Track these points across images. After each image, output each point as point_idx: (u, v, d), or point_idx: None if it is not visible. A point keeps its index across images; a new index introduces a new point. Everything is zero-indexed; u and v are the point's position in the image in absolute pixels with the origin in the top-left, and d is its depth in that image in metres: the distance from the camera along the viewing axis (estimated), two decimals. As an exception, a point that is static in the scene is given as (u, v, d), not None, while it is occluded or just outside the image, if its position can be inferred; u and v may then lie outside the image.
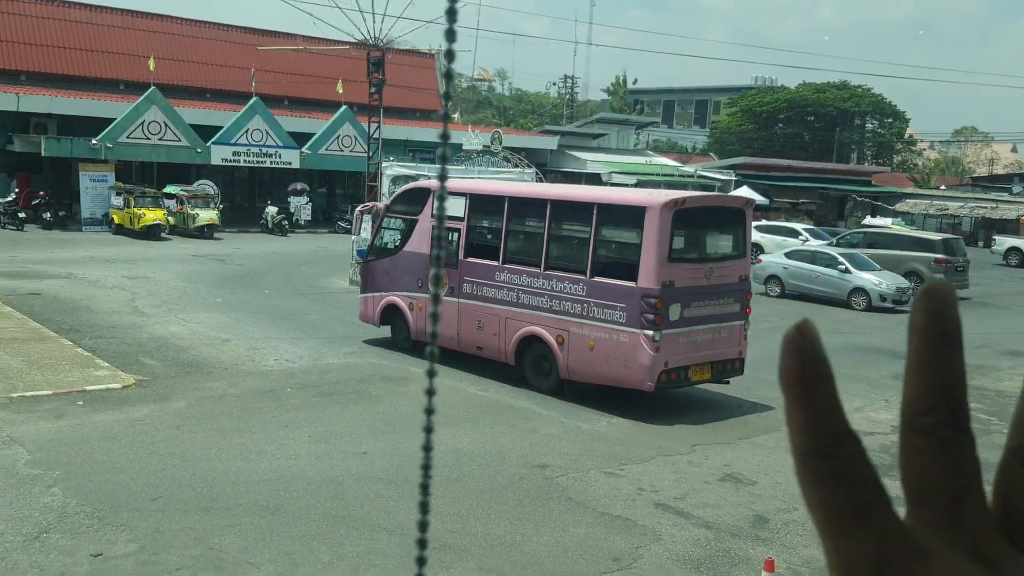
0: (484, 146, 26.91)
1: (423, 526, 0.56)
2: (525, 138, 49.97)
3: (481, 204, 14.07)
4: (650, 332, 11.68)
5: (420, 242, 14.45)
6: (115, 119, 33.85)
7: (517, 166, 20.45)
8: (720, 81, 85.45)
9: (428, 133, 44.48)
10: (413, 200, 15.04)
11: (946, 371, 0.41)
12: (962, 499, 0.41)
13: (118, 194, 32.27)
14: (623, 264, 12.21)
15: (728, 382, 13.04)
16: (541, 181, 18.63)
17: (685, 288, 11.98)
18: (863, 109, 69.05)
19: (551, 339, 12.78)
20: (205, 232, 32.25)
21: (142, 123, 34.09)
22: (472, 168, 21.03)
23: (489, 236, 13.88)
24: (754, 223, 38.05)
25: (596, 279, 12.34)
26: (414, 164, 33.94)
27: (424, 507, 0.57)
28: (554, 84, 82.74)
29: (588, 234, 12.55)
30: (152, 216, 30.88)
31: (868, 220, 43.05)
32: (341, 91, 37.86)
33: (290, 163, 37.82)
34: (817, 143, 67.79)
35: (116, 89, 38.42)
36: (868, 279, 23.71)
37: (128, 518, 7.90)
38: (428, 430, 0.56)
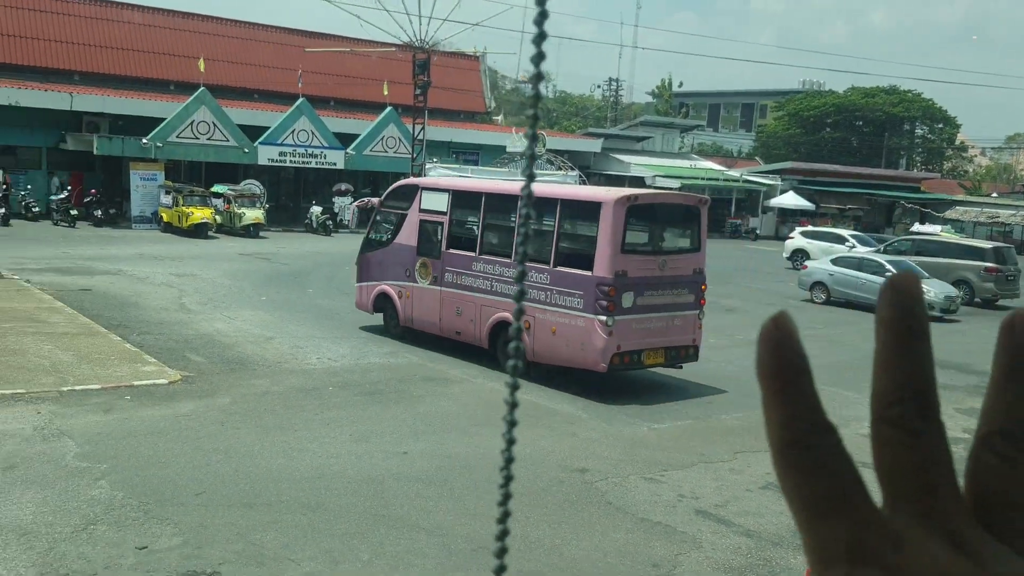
0: (528, 148, 26.98)
1: (502, 535, 0.57)
2: (569, 140, 49.93)
3: (462, 200, 15.01)
4: (603, 318, 12.60)
5: (409, 235, 15.53)
6: (165, 119, 34.45)
7: (560, 169, 20.42)
8: (767, 84, 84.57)
9: (471, 135, 44.64)
10: (403, 196, 15.96)
11: (913, 363, 0.42)
12: (935, 488, 0.41)
13: (167, 192, 32.84)
14: (582, 255, 13.04)
15: (681, 367, 13.94)
16: (584, 184, 18.62)
17: (638, 278, 12.88)
18: (913, 114, 67.91)
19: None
20: (251, 231, 32.67)
21: (191, 123, 34.65)
22: (516, 170, 21.04)
23: (467, 229, 14.80)
24: (800, 229, 37.53)
25: (558, 268, 13.20)
26: (457, 165, 34.07)
27: (503, 518, 0.57)
28: (599, 87, 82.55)
29: (553, 227, 13.39)
30: (200, 215, 31.37)
31: (917, 227, 42.32)
32: (387, 92, 38.16)
33: (335, 163, 38.17)
34: (865, 148, 66.79)
35: (166, 89, 39.10)
36: (916, 287, 23.26)
37: (173, 512, 8.02)
38: (510, 441, 0.56)
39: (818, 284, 24.85)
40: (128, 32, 39.98)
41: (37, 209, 32.96)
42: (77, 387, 11.66)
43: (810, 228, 37.63)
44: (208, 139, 35.13)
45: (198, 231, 31.23)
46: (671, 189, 46.40)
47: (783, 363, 0.41)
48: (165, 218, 32.57)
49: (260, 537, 7.66)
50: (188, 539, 7.52)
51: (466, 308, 14.56)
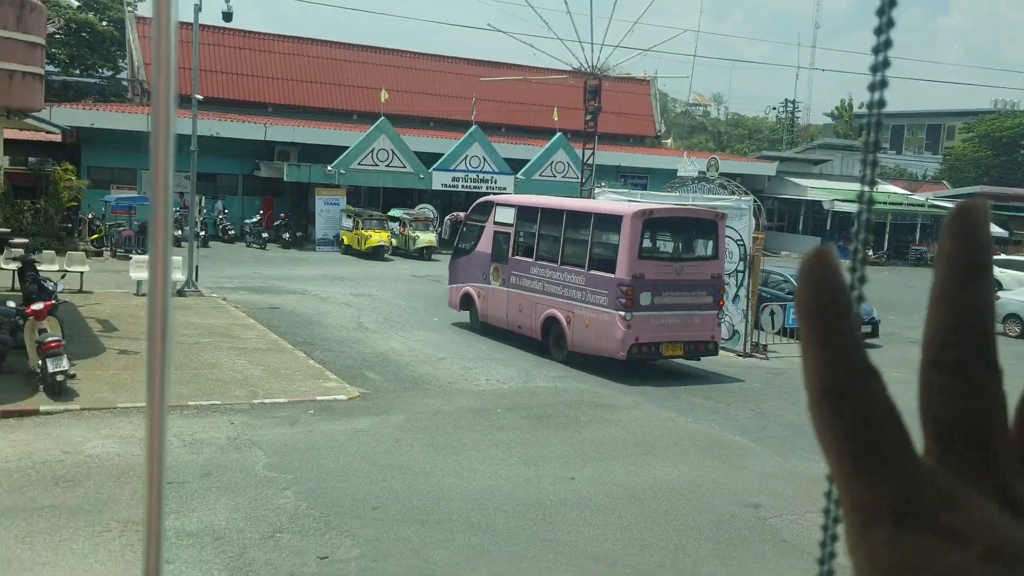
0: (700, 172, 26.55)
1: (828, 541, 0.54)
2: (741, 164, 48.84)
3: (524, 214, 17.40)
4: (623, 313, 14.75)
5: (486, 244, 18.12)
6: (348, 147, 36.28)
7: (734, 193, 19.99)
8: (955, 105, 79.88)
9: (640, 159, 44.47)
10: (482, 211, 18.61)
11: (974, 302, 0.38)
12: (989, 439, 0.37)
13: (348, 216, 34.54)
14: (608, 260, 15.21)
15: (700, 360, 16.01)
16: (760, 209, 18.25)
17: (655, 280, 14.93)
18: (1122, 133, 62.14)
19: (563, 319, 16.02)
20: (424, 253, 33.80)
21: (372, 150, 36.32)
22: (687, 195, 20.76)
23: (528, 239, 17.16)
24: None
25: (592, 272, 15.46)
26: (626, 189, 34.00)
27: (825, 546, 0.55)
28: (773, 108, 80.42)
29: (587, 236, 15.72)
30: (377, 238, 32.78)
31: None
32: (557, 118, 38.65)
33: (504, 188, 38.92)
34: (1068, 171, 61.62)
35: (350, 119, 41.19)
36: None
37: (351, 524, 8.37)
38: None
39: (1011, 316, 23.11)
40: (317, 66, 42.50)
41: (232, 232, 35.38)
42: (266, 400, 12.41)
43: (1003, 256, 35.10)
44: (387, 166, 36.69)
45: (375, 253, 32.61)
46: (850, 214, 44.51)
47: (826, 300, 0.38)
48: (346, 241, 34.22)
49: (432, 554, 7.86)
50: (365, 552, 7.83)
51: (525, 306, 17.00)
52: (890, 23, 0.45)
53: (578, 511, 9.06)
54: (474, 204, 19.38)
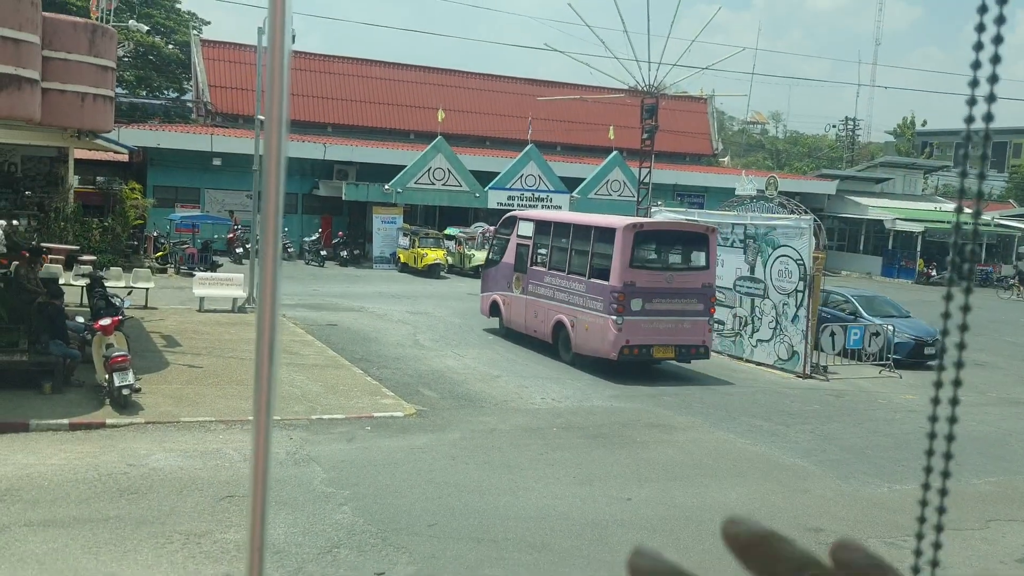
0: (758, 191, 26.27)
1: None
2: (800, 182, 48.23)
3: (540, 228, 18.90)
4: (615, 317, 16.06)
5: (510, 255, 19.64)
6: (405, 166, 36.69)
7: (793, 212, 19.73)
8: (1022, 121, 77.73)
9: (697, 177, 44.21)
10: (508, 225, 20.22)
11: None
12: None
13: (405, 235, 34.88)
14: (604, 269, 16.46)
15: (689, 363, 17.28)
16: (820, 228, 18.02)
17: (646, 288, 16.18)
18: None
19: (568, 323, 17.33)
20: (479, 272, 33.92)
21: (428, 169, 36.67)
22: (745, 213, 20.55)
23: (542, 250, 18.57)
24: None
25: (591, 280, 16.75)
26: (683, 208, 33.76)
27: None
28: (833, 126, 79.29)
29: (588, 247, 17.01)
30: (433, 256, 33.03)
31: None
32: (612, 137, 38.62)
33: (560, 207, 38.96)
34: None
35: (407, 139, 41.69)
36: None
37: (407, 541, 8.41)
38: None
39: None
40: (376, 87, 43.17)
41: (292, 250, 35.99)
42: (324, 416, 12.55)
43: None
44: (443, 185, 37.01)
45: (431, 271, 32.85)
46: (914, 233, 43.60)
47: None
48: (402, 259, 34.55)
49: (488, 572, 7.86)
50: (421, 569, 7.85)
51: (539, 312, 18.41)
52: (999, 39, 0.46)
53: (634, 532, 8.98)
54: (502, 219, 21.19)
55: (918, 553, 0.53)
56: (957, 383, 0.54)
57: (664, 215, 27.41)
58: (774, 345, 18.70)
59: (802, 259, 18.18)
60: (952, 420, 0.55)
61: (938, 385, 0.53)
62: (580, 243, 17.41)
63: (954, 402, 0.53)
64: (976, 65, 0.46)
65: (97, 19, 21.51)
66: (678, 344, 16.49)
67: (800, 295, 18.20)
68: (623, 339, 16.06)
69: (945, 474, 0.55)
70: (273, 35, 0.82)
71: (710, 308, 16.83)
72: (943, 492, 0.55)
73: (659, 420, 13.66)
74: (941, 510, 0.54)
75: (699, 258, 17.05)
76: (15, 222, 24.48)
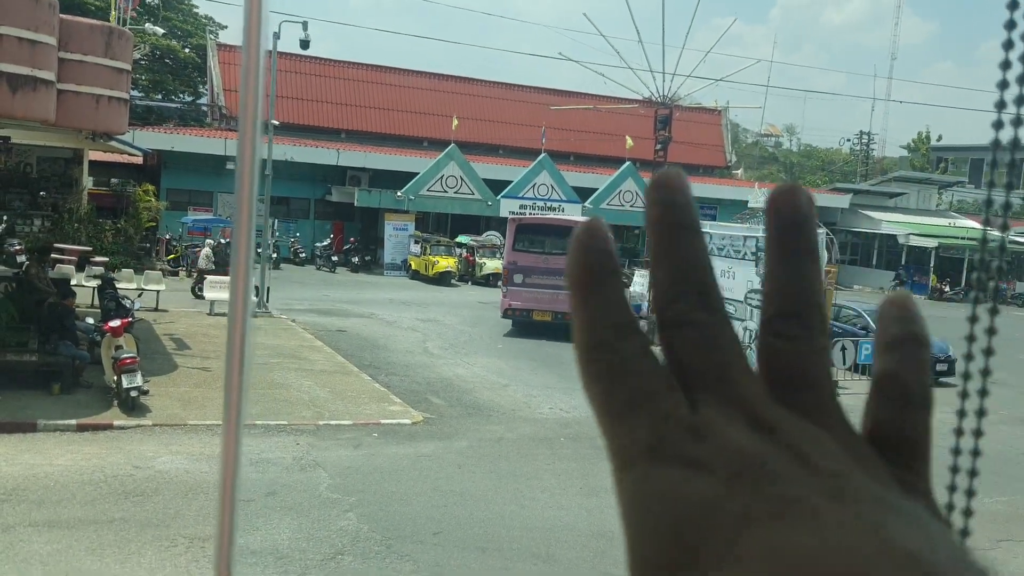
0: (770, 204, 26.22)
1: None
2: (814, 196, 47.98)
3: (526, 228, 23.23)
4: (504, 287, 22.11)
5: (509, 253, 23.53)
6: (418, 173, 36.74)
7: (805, 226, 19.65)
8: (1040, 137, 77.16)
9: (709, 189, 44.07)
10: (510, 227, 23.70)
11: (686, 257, 0.40)
12: (729, 374, 0.40)
13: (416, 242, 34.90)
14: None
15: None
16: (832, 242, 17.93)
17: (526, 266, 21.51)
18: None
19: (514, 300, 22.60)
20: (490, 280, 33.92)
21: (441, 177, 36.72)
22: (756, 226, 20.47)
23: (529, 246, 22.37)
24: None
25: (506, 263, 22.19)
26: (695, 221, 33.61)
27: None
28: (847, 140, 79.07)
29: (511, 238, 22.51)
30: (444, 264, 33.04)
31: None
32: (631, 146, 38.54)
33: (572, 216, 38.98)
34: None
35: (420, 146, 41.74)
36: None
37: (412, 549, 8.36)
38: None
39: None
40: (390, 93, 43.25)
41: (304, 255, 36.06)
42: (332, 422, 12.53)
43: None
44: (455, 192, 37.04)
45: (442, 279, 32.84)
46: (927, 249, 43.36)
47: (591, 265, 0.41)
48: (413, 266, 34.56)
49: (492, 583, 7.80)
50: (425, 577, 7.80)
51: (522, 294, 22.17)
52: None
53: (640, 545, 8.90)
54: (508, 222, 25.04)
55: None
56: (981, 413, 0.51)
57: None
58: (785, 359, 18.56)
59: (814, 273, 18.06)
60: (977, 433, 0.51)
61: (961, 414, 0.50)
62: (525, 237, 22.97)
63: (980, 413, 0.49)
64: (1003, 85, 0.43)
65: (116, 21, 21.64)
66: (554, 311, 21.02)
67: (812, 309, 18.07)
68: (506, 304, 21.73)
69: (970, 492, 0.52)
70: (248, 35, 0.79)
71: None
72: (968, 512, 0.51)
73: (667, 432, 13.57)
74: (965, 532, 0.50)
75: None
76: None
